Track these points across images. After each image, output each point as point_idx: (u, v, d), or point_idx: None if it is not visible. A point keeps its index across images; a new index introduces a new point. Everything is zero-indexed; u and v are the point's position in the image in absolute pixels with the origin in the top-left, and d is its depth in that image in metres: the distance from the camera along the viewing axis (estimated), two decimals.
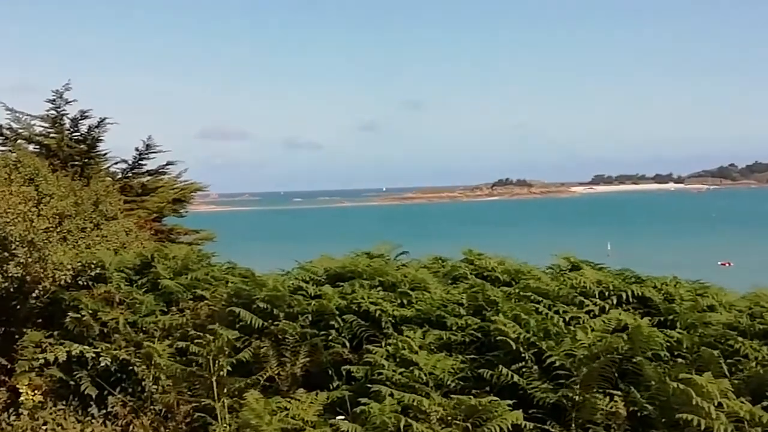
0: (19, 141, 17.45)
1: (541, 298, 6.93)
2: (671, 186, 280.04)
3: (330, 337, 7.22)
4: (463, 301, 7.29)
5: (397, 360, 6.47)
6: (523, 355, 6.20)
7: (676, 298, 6.93)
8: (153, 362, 7.82)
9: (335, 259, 8.66)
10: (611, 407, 5.81)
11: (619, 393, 5.87)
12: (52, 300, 9.06)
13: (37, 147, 17.64)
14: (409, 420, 5.76)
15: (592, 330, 6.13)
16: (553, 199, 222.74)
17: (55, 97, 17.80)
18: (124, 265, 9.24)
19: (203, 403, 7.28)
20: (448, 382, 6.23)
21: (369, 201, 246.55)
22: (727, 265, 57.41)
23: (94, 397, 8.18)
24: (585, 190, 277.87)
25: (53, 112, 17.91)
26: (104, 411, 8.11)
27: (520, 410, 5.79)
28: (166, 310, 8.66)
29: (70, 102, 18.04)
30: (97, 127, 18.26)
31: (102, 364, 8.13)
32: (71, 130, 18.22)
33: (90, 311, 8.54)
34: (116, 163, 20.09)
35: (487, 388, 6.19)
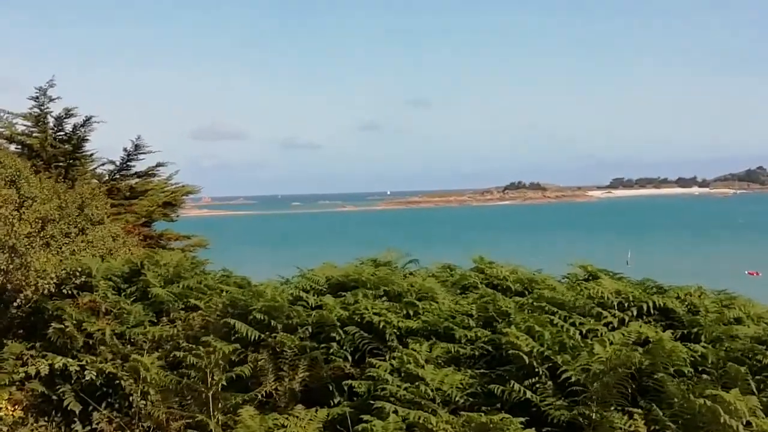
0: None
1: (556, 309, 6.93)
2: (695, 190, 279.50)
3: (331, 350, 7.23)
4: (472, 312, 7.30)
5: (402, 374, 6.48)
6: (536, 369, 6.20)
7: (701, 310, 6.93)
8: (141, 376, 7.83)
9: (337, 267, 8.67)
10: (630, 426, 5.81)
11: (640, 411, 5.86)
12: (35, 309, 9.08)
13: (19, 147, 17.72)
14: None
15: (611, 343, 6.13)
16: (569, 204, 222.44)
17: (38, 94, 17.88)
18: (111, 272, 9.26)
19: (196, 420, 7.29)
20: (457, 399, 6.24)
21: (372, 205, 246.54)
22: (755, 274, 57.18)
23: (78, 413, 8.19)
24: (603, 194, 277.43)
25: (36, 110, 18.00)
26: (89, 428, 8.12)
27: (533, 428, 5.79)
28: (155, 320, 8.68)
29: (54, 99, 18.12)
30: (82, 126, 18.33)
31: (87, 377, 8.15)
32: (55, 129, 18.29)
33: (74, 322, 8.56)
34: (103, 165, 20.17)
35: (498, 405, 6.19)
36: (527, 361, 6.20)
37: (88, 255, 10.08)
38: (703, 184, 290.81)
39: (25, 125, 17.98)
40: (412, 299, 7.57)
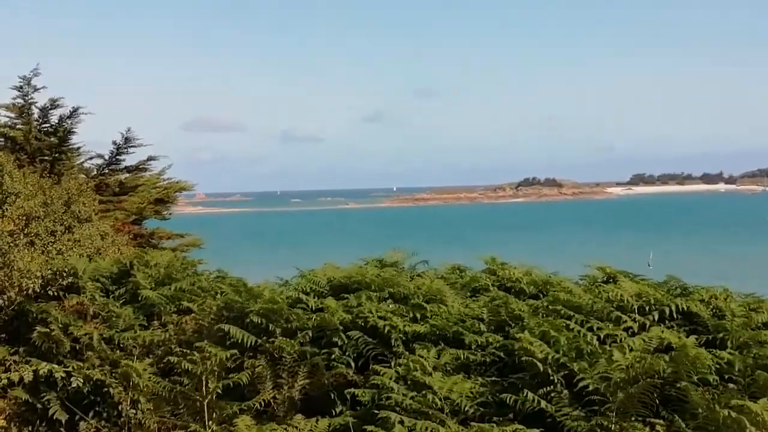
0: None
1: (572, 313, 6.93)
2: (721, 187, 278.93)
3: (333, 356, 7.24)
4: (483, 316, 7.30)
5: (408, 382, 6.48)
6: (551, 377, 6.19)
7: (727, 314, 6.92)
8: (132, 383, 7.84)
9: (340, 268, 8.68)
10: None
11: (662, 422, 5.85)
12: (18, 312, 9.10)
13: (2, 140, 17.76)
14: None
15: (631, 350, 6.12)
16: (587, 201, 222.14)
17: (21, 84, 17.91)
18: (99, 273, 9.27)
19: (189, 430, 7.30)
20: (466, 408, 6.23)
21: (377, 202, 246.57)
22: None
23: (63, 422, 8.20)
24: (623, 191, 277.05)
25: (20, 100, 18.04)
26: None
27: None
28: (146, 324, 8.69)
29: (39, 89, 18.17)
30: (69, 117, 18.37)
31: (73, 385, 8.15)
32: (40, 120, 18.33)
33: (60, 325, 8.56)
34: (91, 159, 20.22)
35: (511, 415, 6.19)
36: (542, 369, 6.19)
37: (74, 254, 10.09)
38: (730, 180, 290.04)
39: (7, 117, 18.04)
40: (419, 302, 7.57)
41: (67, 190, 12.21)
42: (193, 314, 8.44)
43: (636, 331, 6.68)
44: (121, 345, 8.47)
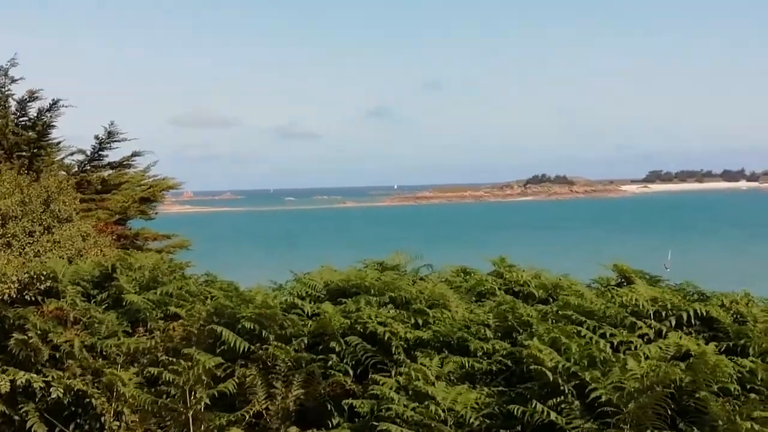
0: None
1: (584, 319, 6.93)
2: (743, 184, 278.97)
3: (329, 364, 7.24)
4: (489, 322, 7.31)
5: (410, 393, 6.48)
6: (561, 387, 6.19)
7: (749, 320, 6.92)
8: (115, 393, 7.84)
9: (338, 271, 8.68)
10: None
11: None
12: None
13: None
14: None
15: (647, 358, 6.12)
16: (600, 200, 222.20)
17: None
18: (80, 276, 9.27)
19: None
20: (472, 420, 6.23)
21: (377, 201, 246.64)
22: None
23: None
24: (638, 189, 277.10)
25: None
26: None
27: None
28: (130, 331, 8.68)
29: (16, 80, 18.18)
30: (48, 110, 18.39)
31: (53, 395, 8.14)
32: (18, 113, 18.34)
33: (39, 332, 8.55)
34: (72, 154, 20.24)
35: (519, 428, 6.19)
36: (551, 378, 6.20)
37: (54, 256, 10.10)
38: (752, 177, 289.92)
39: None
40: (421, 307, 7.58)
41: (47, 188, 12.23)
42: (180, 320, 8.44)
43: (652, 337, 6.69)
44: (104, 353, 8.46)
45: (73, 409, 8.26)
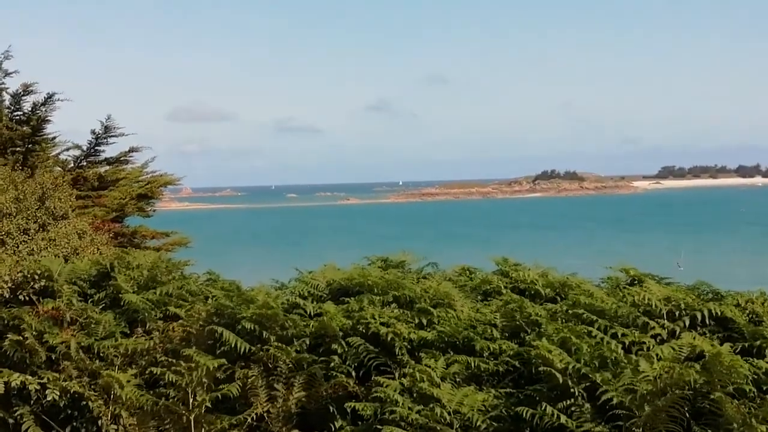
0: None
1: (594, 318, 6.92)
2: (759, 180, 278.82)
3: (332, 366, 7.24)
4: (496, 322, 7.30)
5: (414, 395, 6.48)
6: (571, 389, 6.19)
7: (765, 320, 6.90)
8: (113, 396, 7.85)
9: (340, 269, 8.68)
10: None
11: None
12: None
13: None
14: None
15: (659, 359, 6.11)
16: (611, 197, 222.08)
17: None
18: (76, 275, 9.28)
19: None
20: (478, 423, 6.23)
21: (381, 198, 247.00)
22: None
23: None
24: (650, 185, 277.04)
25: None
26: None
27: None
28: (128, 331, 8.68)
29: (10, 74, 18.21)
30: (43, 104, 18.41)
31: (49, 398, 8.15)
32: (12, 108, 18.37)
33: (34, 333, 8.56)
34: (68, 150, 20.30)
35: (527, 431, 6.18)
36: (561, 380, 6.19)
37: (49, 255, 10.10)
38: None
39: None
40: (425, 306, 7.57)
41: (42, 185, 12.24)
42: (180, 321, 8.45)
43: (665, 338, 6.67)
44: (101, 354, 8.46)
45: (69, 412, 8.26)
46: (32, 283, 9.16)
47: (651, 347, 6.44)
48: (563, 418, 6.03)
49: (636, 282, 7.94)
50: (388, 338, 7.11)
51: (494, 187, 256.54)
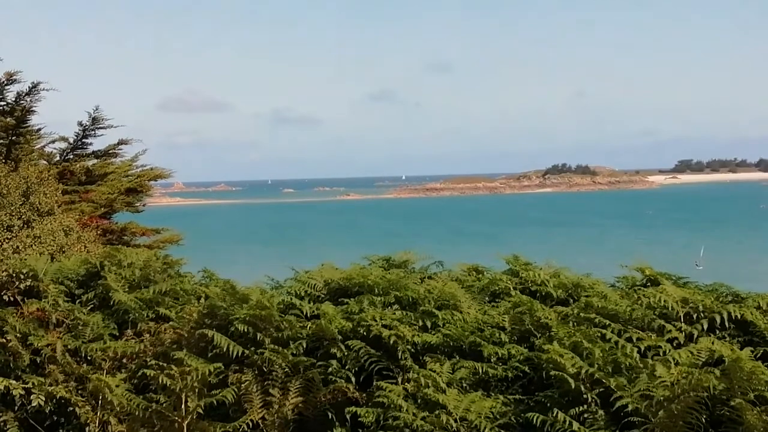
0: None
1: (608, 322, 6.92)
2: None
3: (330, 370, 7.24)
4: (505, 325, 7.29)
5: (419, 401, 6.48)
6: (584, 395, 6.19)
7: None
8: (101, 401, 7.85)
9: (339, 269, 8.67)
10: None
11: None
12: None
13: None
14: None
15: (676, 363, 6.11)
16: (625, 192, 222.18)
17: None
18: (63, 274, 9.29)
19: None
20: (486, 430, 6.23)
21: (383, 193, 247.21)
22: None
23: None
24: (666, 179, 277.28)
25: None
26: None
27: None
28: (117, 334, 8.69)
29: None
30: (28, 94, 18.40)
31: (34, 403, 8.16)
32: None
33: (18, 335, 8.58)
34: (53, 142, 20.30)
35: None
36: (573, 385, 6.19)
37: (34, 253, 10.10)
38: None
39: None
40: (430, 308, 7.57)
41: (26, 179, 12.24)
42: (171, 322, 8.45)
43: (682, 342, 6.67)
44: (89, 357, 8.47)
45: (55, 418, 8.28)
46: (17, 283, 9.16)
47: (667, 351, 6.43)
48: (575, 425, 6.04)
49: (651, 282, 7.94)
50: (391, 341, 7.10)
51: (502, 181, 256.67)
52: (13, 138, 18.15)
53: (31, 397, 8.16)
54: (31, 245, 10.67)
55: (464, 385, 6.67)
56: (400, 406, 6.42)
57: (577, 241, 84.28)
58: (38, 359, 8.52)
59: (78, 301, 9.06)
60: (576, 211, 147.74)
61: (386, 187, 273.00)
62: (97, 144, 20.74)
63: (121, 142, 21.24)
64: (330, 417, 7.09)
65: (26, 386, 8.25)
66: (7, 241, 10.62)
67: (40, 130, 19.43)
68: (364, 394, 7.06)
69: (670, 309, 7.05)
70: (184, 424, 7.30)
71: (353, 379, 7.18)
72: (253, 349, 7.56)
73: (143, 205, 22.02)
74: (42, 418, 8.25)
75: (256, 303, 7.75)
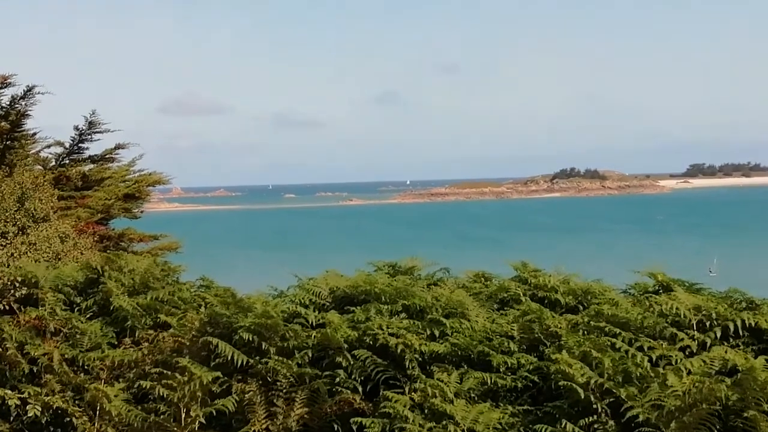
0: None
1: (618, 330, 6.93)
2: None
3: (336, 380, 7.26)
4: (513, 333, 7.31)
5: (426, 411, 6.50)
6: (594, 405, 6.20)
7: None
8: (99, 412, 7.87)
9: (344, 276, 8.69)
10: None
11: None
12: None
13: None
14: None
15: (689, 373, 6.13)
16: (635, 197, 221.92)
17: None
18: (61, 282, 9.30)
19: None
20: None
21: (387, 198, 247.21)
22: None
23: None
24: (678, 184, 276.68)
25: None
26: None
27: None
28: (116, 342, 8.72)
29: None
30: (23, 98, 18.43)
31: (30, 414, 8.17)
32: None
33: (15, 344, 8.60)
34: (49, 147, 20.37)
35: None
36: (583, 395, 6.20)
37: (29, 260, 10.11)
38: None
39: None
40: (437, 316, 7.58)
41: (21, 184, 12.28)
42: (171, 330, 8.47)
43: (694, 350, 6.68)
44: (86, 367, 8.49)
45: (51, 429, 8.28)
46: (13, 291, 9.19)
47: (679, 360, 6.45)
48: None
49: (664, 289, 7.95)
50: (398, 350, 7.12)
51: (509, 186, 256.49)
52: (8, 142, 18.18)
53: (27, 407, 8.17)
54: (27, 252, 10.70)
55: (472, 395, 6.69)
56: (406, 417, 6.44)
57: (585, 247, 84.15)
58: (35, 369, 8.54)
59: (77, 308, 9.08)
60: (585, 216, 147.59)
61: (390, 192, 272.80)
62: (93, 148, 20.80)
63: (118, 147, 21.28)
64: (335, 428, 7.11)
65: (22, 396, 8.26)
66: (1, 248, 10.64)
67: (35, 134, 19.51)
68: (371, 405, 7.08)
69: (682, 317, 7.06)
70: None
71: (359, 389, 7.19)
72: (257, 358, 7.58)
73: (141, 211, 22.05)
74: (38, 428, 8.26)
75: (261, 311, 7.77)
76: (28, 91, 18.41)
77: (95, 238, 16.79)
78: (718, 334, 6.91)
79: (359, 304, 8.01)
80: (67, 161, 20.28)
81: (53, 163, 20.09)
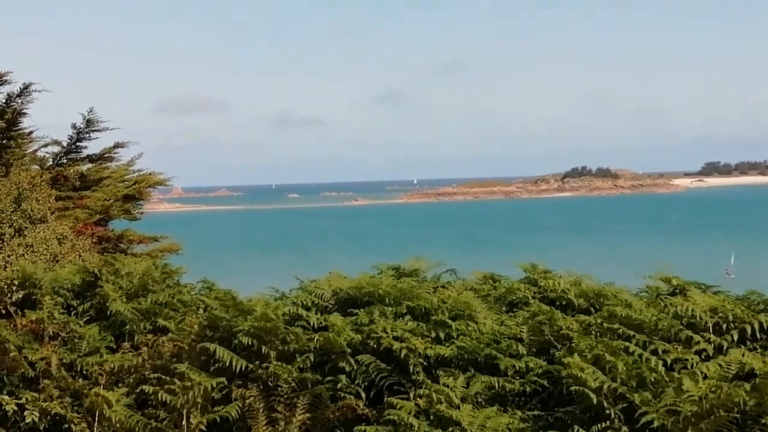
0: None
1: (632, 333, 6.91)
2: None
3: (339, 386, 7.24)
4: (522, 336, 7.29)
5: (431, 417, 6.48)
6: (607, 411, 6.18)
7: None
8: (98, 418, 7.86)
9: (348, 278, 8.67)
10: None
11: None
12: None
13: None
14: None
15: (705, 377, 6.10)
16: (649, 196, 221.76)
17: None
18: (59, 284, 9.29)
19: None
20: None
21: (393, 198, 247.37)
22: None
23: None
24: (693, 182, 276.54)
25: None
26: None
27: None
28: (114, 346, 8.71)
29: None
30: (19, 96, 18.46)
31: (27, 419, 8.17)
32: None
33: (13, 348, 8.60)
34: (46, 146, 20.38)
35: None
36: (595, 401, 6.18)
37: (26, 262, 10.10)
38: None
39: None
40: (443, 318, 7.56)
41: (17, 185, 12.28)
42: (170, 334, 8.46)
43: (711, 354, 6.65)
44: (85, 372, 8.48)
45: None
46: (10, 294, 9.19)
47: (695, 364, 6.42)
48: None
49: (679, 291, 7.92)
50: (402, 354, 7.10)
51: (519, 185, 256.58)
52: (4, 141, 18.22)
53: (25, 413, 8.16)
54: (23, 254, 10.70)
55: (479, 400, 6.67)
56: (411, 424, 6.42)
57: (596, 248, 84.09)
58: (32, 373, 8.53)
59: (74, 312, 9.08)
60: (596, 216, 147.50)
61: (396, 192, 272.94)
62: (91, 148, 20.81)
63: (116, 146, 21.30)
64: None
65: (19, 402, 8.26)
66: None
67: (32, 133, 19.54)
68: (374, 411, 7.06)
69: (698, 319, 7.03)
70: None
71: (363, 395, 7.18)
72: (257, 363, 7.57)
73: (140, 212, 22.07)
74: None
75: (260, 314, 7.75)
76: (25, 89, 18.44)
77: (94, 240, 16.79)
78: (735, 337, 6.88)
79: (363, 306, 7.99)
80: (65, 161, 20.30)
81: (50, 163, 20.11)
